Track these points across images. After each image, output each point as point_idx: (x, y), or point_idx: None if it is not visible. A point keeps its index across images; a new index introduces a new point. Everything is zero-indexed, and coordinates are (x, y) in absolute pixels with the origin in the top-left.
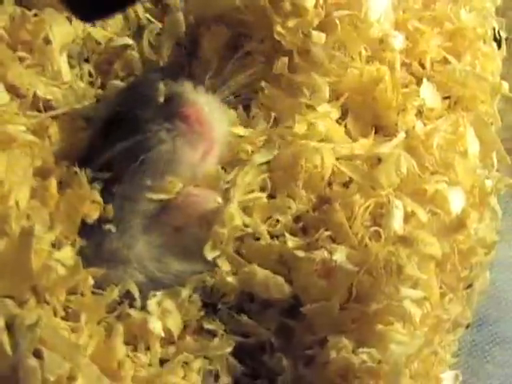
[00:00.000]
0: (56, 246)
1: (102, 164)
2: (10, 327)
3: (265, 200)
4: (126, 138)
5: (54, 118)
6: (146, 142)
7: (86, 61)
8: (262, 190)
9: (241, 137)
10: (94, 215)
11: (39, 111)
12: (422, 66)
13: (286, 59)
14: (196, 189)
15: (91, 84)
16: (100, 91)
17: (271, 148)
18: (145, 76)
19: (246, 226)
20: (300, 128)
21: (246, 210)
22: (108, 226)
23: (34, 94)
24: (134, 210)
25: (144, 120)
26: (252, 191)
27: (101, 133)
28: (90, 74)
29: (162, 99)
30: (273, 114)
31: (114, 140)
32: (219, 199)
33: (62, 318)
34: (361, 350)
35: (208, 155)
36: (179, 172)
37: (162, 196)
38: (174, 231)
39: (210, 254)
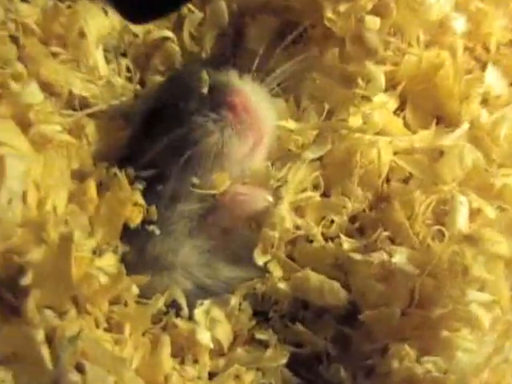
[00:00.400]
0: (97, 252)
1: (144, 162)
2: (50, 340)
3: (318, 199)
4: (169, 132)
5: (90, 116)
6: (192, 135)
7: (124, 55)
8: (315, 188)
9: (291, 131)
10: (136, 219)
11: (75, 109)
12: (487, 49)
13: (336, 50)
14: (244, 187)
15: (129, 79)
16: (138, 87)
17: (324, 143)
18: (186, 68)
19: (297, 227)
20: (355, 121)
21: (297, 210)
22: (152, 228)
23: (70, 92)
24: (179, 210)
25: (188, 112)
26: (304, 190)
27: (141, 129)
28: (128, 69)
29: (206, 89)
30: (325, 107)
31: (156, 136)
32: (269, 198)
33: (105, 330)
34: (425, 358)
35: (257, 148)
36: (227, 167)
37: (209, 192)
38: (222, 234)
39: (260, 259)
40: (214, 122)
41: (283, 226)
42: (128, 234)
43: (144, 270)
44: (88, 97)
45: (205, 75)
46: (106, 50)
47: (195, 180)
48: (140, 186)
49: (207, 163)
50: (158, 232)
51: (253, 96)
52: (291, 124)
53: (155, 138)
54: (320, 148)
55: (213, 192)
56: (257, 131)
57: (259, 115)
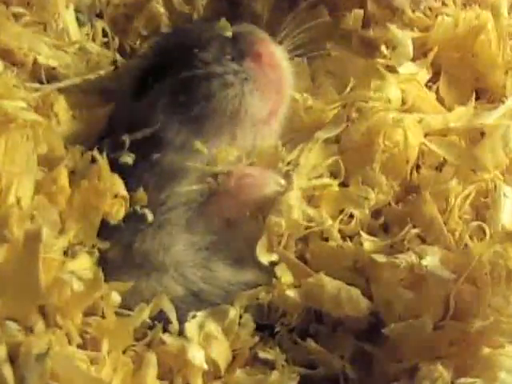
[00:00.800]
0: (69, 253)
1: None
2: (13, 357)
3: (335, 189)
4: (175, 85)
5: (61, 90)
6: (206, 86)
7: (99, 16)
8: (332, 176)
9: (305, 106)
10: (118, 214)
11: (41, 82)
12: None
13: (359, 12)
14: (252, 168)
15: (106, 45)
16: (118, 55)
17: (339, 120)
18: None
19: (309, 220)
20: (377, 96)
21: (310, 201)
22: (143, 210)
23: (35, 61)
24: (176, 193)
25: (203, 62)
26: (319, 177)
27: (133, 90)
28: (105, 33)
29: (230, 33)
30: (343, 81)
31: (156, 93)
32: (282, 182)
33: (79, 346)
34: (462, 380)
35: (273, 116)
36: (240, 132)
37: (212, 169)
38: (225, 227)
39: (264, 257)
40: (234, 74)
41: (291, 218)
42: (110, 226)
43: (130, 272)
44: (57, 67)
45: (224, 21)
46: (77, 11)
47: (199, 145)
48: (129, 158)
49: (220, 122)
50: (150, 217)
51: (278, 51)
52: (306, 98)
53: (155, 95)
54: (335, 126)
55: (217, 170)
56: (278, 92)
57: (284, 73)
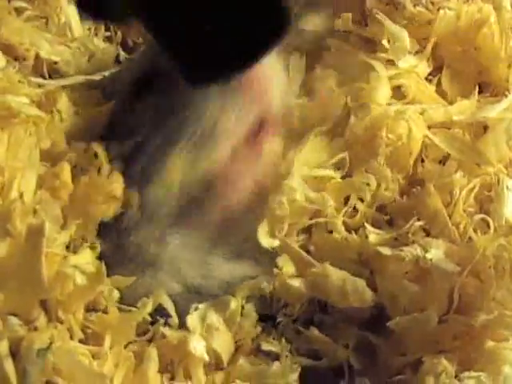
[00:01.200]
0: (72, 248)
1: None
2: (15, 352)
3: (338, 180)
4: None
5: (63, 86)
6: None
7: None
8: (337, 169)
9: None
10: (110, 212)
11: (44, 77)
12: None
13: (348, 15)
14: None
15: (109, 40)
16: (121, 50)
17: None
18: None
19: (312, 202)
20: (376, 87)
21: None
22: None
23: (37, 56)
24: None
25: None
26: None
27: (128, 99)
28: (107, 28)
29: None
30: (344, 75)
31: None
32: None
33: (81, 341)
34: (465, 374)
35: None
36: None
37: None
38: (224, 222)
39: (266, 241)
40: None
41: (293, 200)
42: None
43: (121, 267)
44: (59, 62)
45: None
46: None
47: None
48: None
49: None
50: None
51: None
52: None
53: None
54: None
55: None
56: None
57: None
